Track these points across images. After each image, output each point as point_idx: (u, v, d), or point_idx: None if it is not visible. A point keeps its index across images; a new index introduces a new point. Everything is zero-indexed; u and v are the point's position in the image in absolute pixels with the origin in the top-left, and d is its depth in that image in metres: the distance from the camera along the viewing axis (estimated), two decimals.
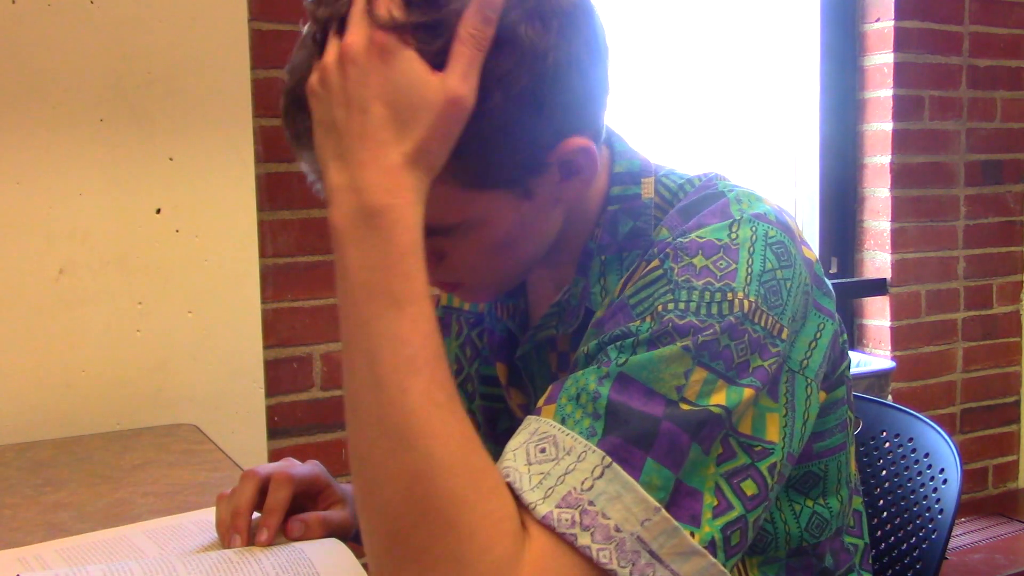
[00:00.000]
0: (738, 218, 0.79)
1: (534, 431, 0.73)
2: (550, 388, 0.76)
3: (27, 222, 1.61)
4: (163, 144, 1.69)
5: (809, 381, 0.79)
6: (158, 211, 1.70)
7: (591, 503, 0.68)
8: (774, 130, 2.77)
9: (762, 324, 0.74)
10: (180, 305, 1.72)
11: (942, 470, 1.13)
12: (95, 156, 1.64)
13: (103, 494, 1.27)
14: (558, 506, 0.68)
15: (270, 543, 0.95)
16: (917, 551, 1.13)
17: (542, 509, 0.68)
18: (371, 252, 0.70)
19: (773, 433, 0.75)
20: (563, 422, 0.72)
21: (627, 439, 0.70)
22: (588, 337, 0.79)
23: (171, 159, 1.70)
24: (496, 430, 1.01)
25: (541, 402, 0.75)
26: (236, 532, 0.96)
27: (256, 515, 0.99)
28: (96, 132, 1.64)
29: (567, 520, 0.68)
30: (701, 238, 0.78)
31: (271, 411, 1.88)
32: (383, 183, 0.71)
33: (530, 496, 0.69)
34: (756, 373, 0.74)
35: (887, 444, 1.21)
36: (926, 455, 1.16)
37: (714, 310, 0.74)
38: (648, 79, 2.53)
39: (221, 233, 1.74)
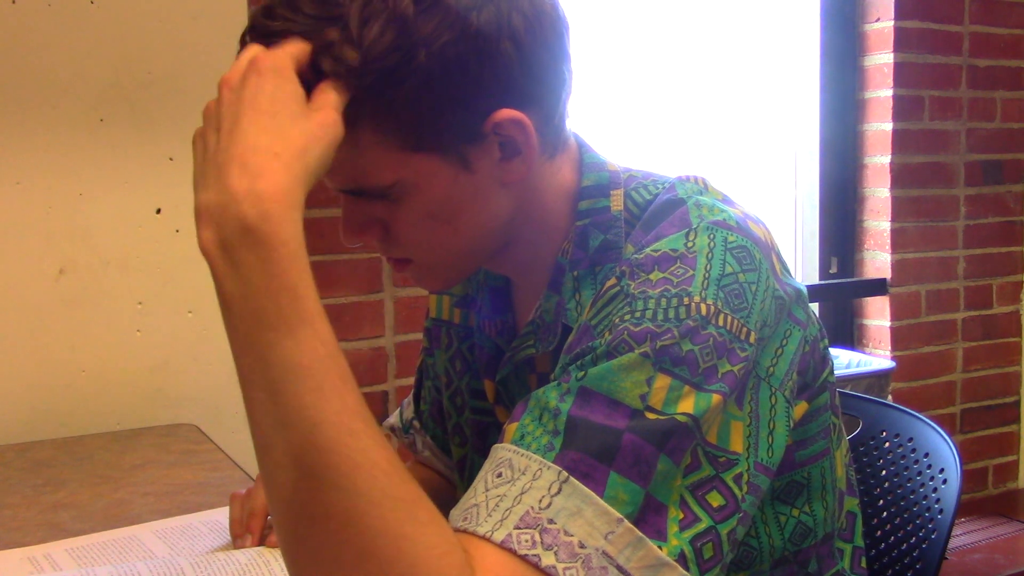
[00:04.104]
0: (695, 225, 0.78)
1: (493, 459, 0.71)
2: (516, 406, 0.74)
3: (27, 222, 1.61)
4: (163, 144, 1.69)
5: (774, 390, 0.77)
6: (158, 211, 1.70)
7: (551, 521, 0.66)
8: (774, 130, 2.77)
9: (726, 327, 0.73)
10: (180, 305, 1.72)
11: (942, 470, 1.13)
12: (95, 156, 1.64)
13: (103, 494, 1.27)
14: (516, 527, 0.66)
15: None
16: (917, 551, 1.13)
17: (499, 534, 0.66)
18: (251, 275, 0.64)
19: (737, 443, 0.73)
20: (522, 439, 0.70)
21: (588, 453, 0.68)
22: (560, 361, 0.77)
23: (171, 159, 1.70)
24: (487, 444, 0.99)
25: (507, 422, 0.74)
26: (249, 532, 0.97)
27: (269, 517, 1.00)
28: (96, 132, 1.64)
29: (527, 541, 0.65)
30: (656, 251, 0.77)
31: None
32: (253, 190, 0.64)
33: (485, 526, 0.66)
34: (725, 378, 0.72)
35: (887, 444, 1.21)
36: (926, 455, 1.16)
37: (671, 314, 0.72)
38: (648, 79, 2.53)
39: None
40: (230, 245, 0.64)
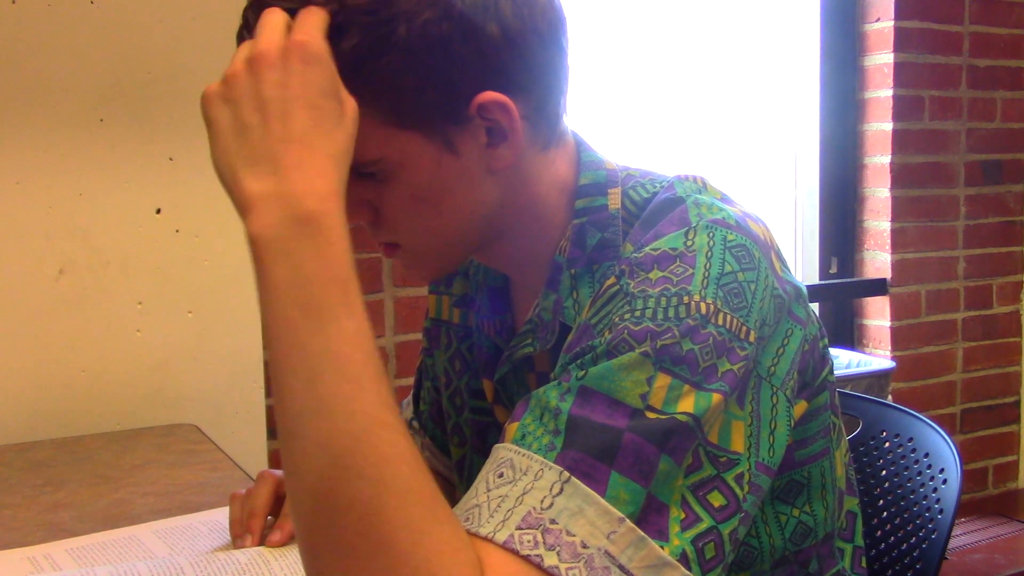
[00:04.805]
0: (695, 224, 0.78)
1: (494, 459, 0.71)
2: (517, 406, 0.74)
3: (27, 222, 1.61)
4: (163, 144, 1.69)
5: (775, 389, 0.77)
6: (158, 211, 1.70)
7: (553, 521, 0.66)
8: (774, 130, 2.77)
9: (726, 326, 0.73)
10: (180, 305, 1.72)
11: (942, 470, 1.13)
12: (95, 156, 1.64)
13: (103, 494, 1.27)
14: (518, 528, 0.66)
15: (282, 544, 0.96)
16: (917, 551, 1.13)
17: (501, 535, 0.66)
18: (305, 264, 0.66)
19: (738, 443, 0.73)
20: (523, 439, 0.70)
21: (588, 453, 0.68)
22: (559, 361, 0.77)
23: (171, 159, 1.70)
24: (486, 444, 1.00)
25: (507, 421, 0.74)
26: (249, 532, 0.97)
27: (269, 518, 1.00)
28: (96, 132, 1.64)
29: (529, 541, 0.66)
30: (656, 250, 0.76)
31: (271, 411, 1.88)
32: (314, 188, 0.68)
33: (487, 527, 0.67)
34: (725, 377, 0.72)
35: (887, 444, 1.21)
36: (926, 455, 1.16)
37: (671, 313, 0.72)
38: (648, 79, 2.53)
39: (221, 233, 1.74)
40: (285, 234, 0.67)
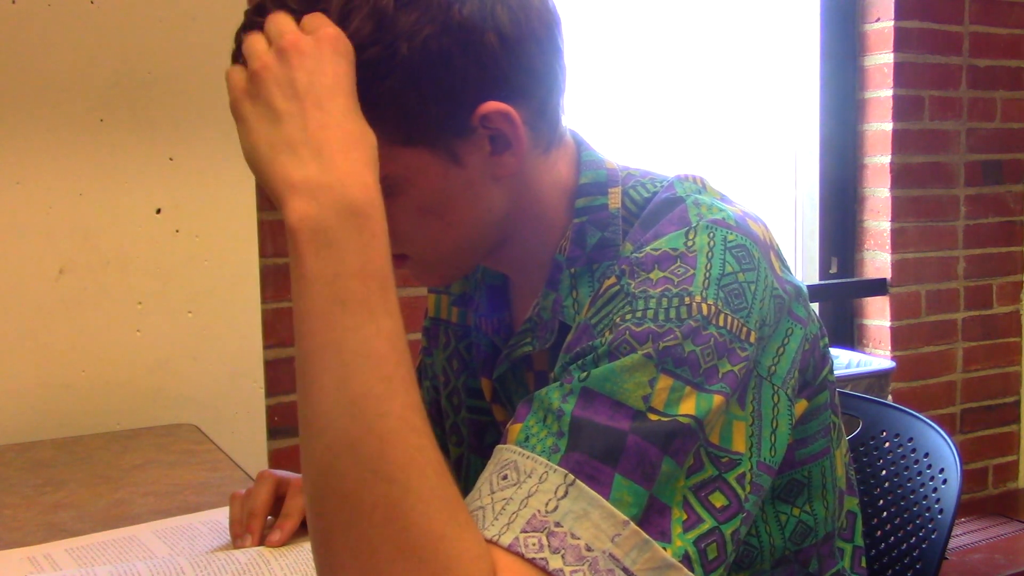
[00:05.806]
0: (695, 224, 0.78)
1: (497, 461, 0.71)
2: (519, 407, 0.74)
3: (27, 222, 1.61)
4: (163, 144, 1.69)
5: (776, 388, 0.77)
6: (158, 211, 1.70)
7: (558, 524, 0.66)
8: (774, 130, 2.77)
9: (727, 327, 0.73)
10: (180, 305, 1.72)
11: (942, 470, 1.13)
12: (95, 156, 1.64)
13: (103, 494, 1.27)
14: (523, 531, 0.66)
15: (282, 544, 0.96)
16: (917, 551, 1.13)
17: (507, 538, 0.66)
18: (348, 257, 0.65)
19: (740, 443, 0.73)
20: (527, 440, 0.70)
21: (592, 455, 0.68)
22: (559, 361, 0.77)
23: (171, 159, 1.70)
24: (483, 443, 1.00)
25: (509, 422, 0.74)
26: (249, 532, 0.97)
27: (269, 518, 1.00)
28: (96, 132, 1.64)
29: (535, 544, 0.66)
30: (656, 250, 0.76)
31: (271, 411, 1.88)
32: (361, 177, 0.67)
33: (492, 530, 0.66)
34: (726, 378, 0.72)
35: (887, 444, 1.21)
36: (926, 455, 1.16)
37: (672, 315, 0.72)
38: (648, 79, 2.53)
39: (221, 233, 1.74)
40: (327, 224, 0.65)
